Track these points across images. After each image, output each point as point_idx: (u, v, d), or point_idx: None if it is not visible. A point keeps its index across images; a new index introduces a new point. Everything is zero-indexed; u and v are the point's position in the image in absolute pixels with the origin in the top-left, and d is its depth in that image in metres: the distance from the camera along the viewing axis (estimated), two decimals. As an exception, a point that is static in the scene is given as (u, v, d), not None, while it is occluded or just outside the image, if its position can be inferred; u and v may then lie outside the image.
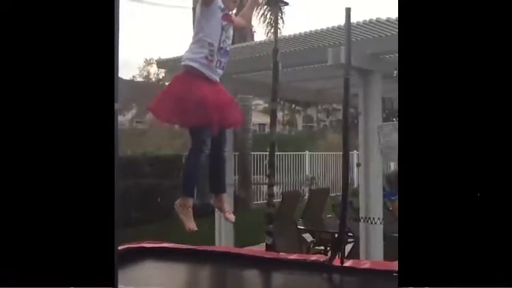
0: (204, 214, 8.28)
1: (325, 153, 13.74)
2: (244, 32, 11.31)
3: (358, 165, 4.58)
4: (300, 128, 33.71)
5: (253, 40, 10.03)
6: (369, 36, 4.63)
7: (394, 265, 3.03)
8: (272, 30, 9.16)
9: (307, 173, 13.13)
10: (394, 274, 2.57)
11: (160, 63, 7.41)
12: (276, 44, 3.78)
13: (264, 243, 3.93)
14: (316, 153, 13.82)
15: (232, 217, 2.66)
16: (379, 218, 4.52)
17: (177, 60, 6.55)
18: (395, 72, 5.11)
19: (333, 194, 8.11)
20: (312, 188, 10.48)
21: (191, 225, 2.51)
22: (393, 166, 11.91)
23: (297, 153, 13.30)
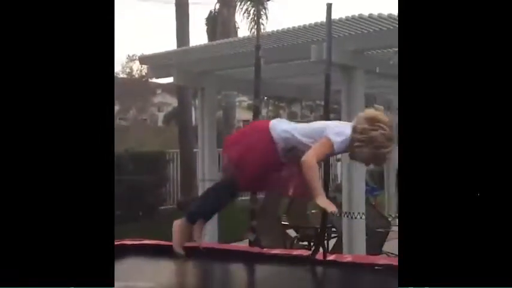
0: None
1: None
2: (227, 28, 11.29)
3: (338, 160, 4.64)
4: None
5: (236, 36, 10.02)
6: (351, 32, 4.66)
7: (376, 259, 3.08)
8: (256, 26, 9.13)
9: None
10: (376, 268, 2.61)
11: (143, 60, 7.36)
12: (258, 40, 3.78)
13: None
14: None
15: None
16: (362, 213, 4.58)
17: (159, 57, 6.54)
18: (378, 69, 5.17)
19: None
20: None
21: (177, 247, 2.54)
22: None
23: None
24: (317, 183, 2.18)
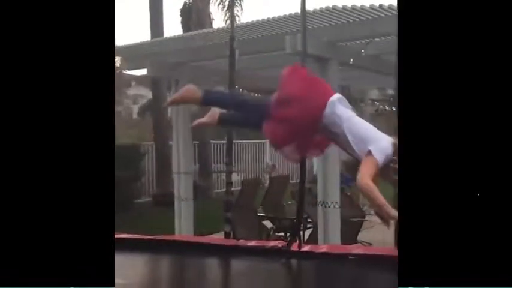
0: (165, 203, 8.22)
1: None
2: (202, 19, 11.19)
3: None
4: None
5: (211, 27, 9.93)
6: (325, 24, 4.67)
7: (351, 248, 3.12)
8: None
9: (267, 160, 13.21)
10: (350, 257, 2.64)
11: (117, 51, 7.23)
12: (233, 31, 3.76)
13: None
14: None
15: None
16: (336, 202, 4.64)
17: (133, 48, 6.44)
18: (352, 60, 5.20)
19: (293, 181, 8.19)
20: (272, 175, 10.58)
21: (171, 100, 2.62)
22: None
23: (257, 141, 13.35)
24: (382, 200, 2.03)
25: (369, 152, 2.07)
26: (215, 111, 2.56)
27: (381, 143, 2.12)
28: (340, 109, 2.25)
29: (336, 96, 2.30)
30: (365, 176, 2.04)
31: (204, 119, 2.55)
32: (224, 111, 2.54)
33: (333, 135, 2.28)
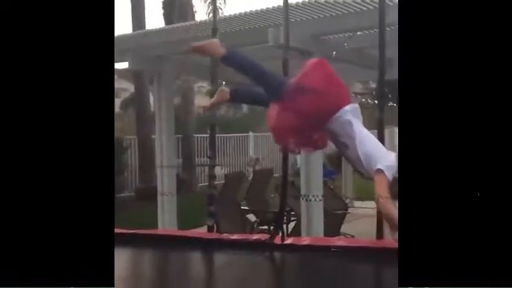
0: (148, 197, 8.18)
1: (270, 134, 13.82)
2: (184, 12, 11.10)
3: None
4: (244, 109, 33.75)
5: (194, 20, 9.86)
6: (308, 17, 4.67)
7: (334, 240, 3.15)
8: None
9: (251, 153, 13.22)
10: (333, 249, 2.67)
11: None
12: (215, 23, 3.73)
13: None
14: (261, 134, 13.91)
15: None
16: (317, 195, 4.67)
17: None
18: (334, 53, 5.19)
19: (276, 175, 8.21)
20: (256, 168, 10.59)
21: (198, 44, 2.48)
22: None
23: (241, 134, 13.35)
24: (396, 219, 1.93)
25: (380, 171, 2.04)
26: (224, 89, 2.59)
27: (388, 160, 2.09)
28: (352, 121, 2.21)
29: (352, 106, 2.26)
30: (383, 195, 2.01)
31: (215, 99, 2.57)
32: (235, 88, 2.57)
33: (340, 145, 2.24)
